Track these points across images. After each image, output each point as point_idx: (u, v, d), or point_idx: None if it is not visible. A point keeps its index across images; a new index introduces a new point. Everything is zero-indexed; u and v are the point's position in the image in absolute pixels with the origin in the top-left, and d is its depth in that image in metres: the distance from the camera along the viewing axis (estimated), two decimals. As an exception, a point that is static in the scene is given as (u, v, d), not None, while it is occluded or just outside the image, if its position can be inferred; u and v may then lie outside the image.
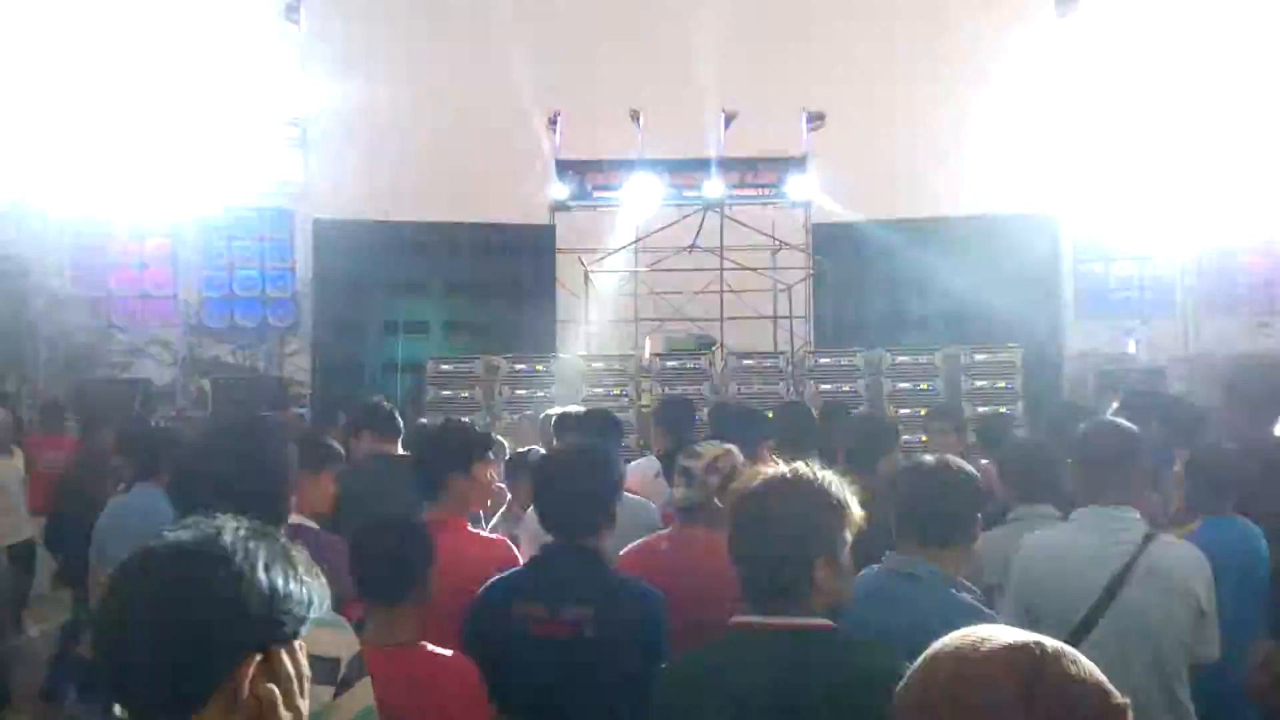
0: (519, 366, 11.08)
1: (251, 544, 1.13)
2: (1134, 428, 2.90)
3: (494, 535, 3.36)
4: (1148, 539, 2.70)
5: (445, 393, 10.85)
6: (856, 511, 1.97)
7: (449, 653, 2.35)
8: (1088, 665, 0.93)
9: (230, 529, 1.14)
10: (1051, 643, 0.94)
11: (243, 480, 1.85)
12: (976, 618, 2.33)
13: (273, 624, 1.11)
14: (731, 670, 1.93)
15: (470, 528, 3.19)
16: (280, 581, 1.12)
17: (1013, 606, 2.77)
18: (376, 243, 13.40)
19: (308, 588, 1.16)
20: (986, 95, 13.03)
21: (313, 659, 1.76)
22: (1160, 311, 13.10)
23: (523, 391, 10.87)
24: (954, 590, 2.41)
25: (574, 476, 2.60)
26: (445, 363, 11.23)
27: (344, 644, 1.85)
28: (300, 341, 13.15)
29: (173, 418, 11.18)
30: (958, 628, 1.65)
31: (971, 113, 13.12)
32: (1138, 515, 2.77)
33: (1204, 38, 12.23)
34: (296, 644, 1.15)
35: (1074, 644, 2.58)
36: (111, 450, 5.78)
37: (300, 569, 1.16)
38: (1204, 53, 12.29)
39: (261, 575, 1.11)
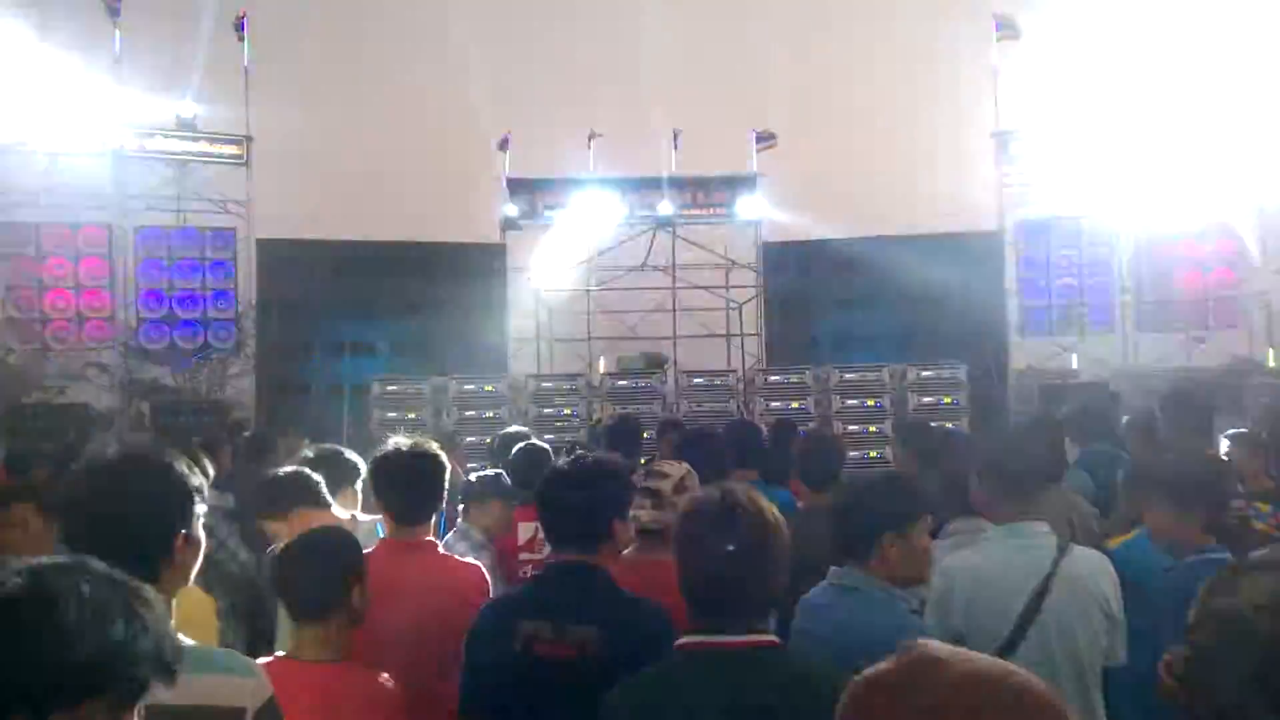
0: (468, 387, 10.97)
1: (87, 592, 1.10)
2: (1041, 444, 2.97)
3: (468, 560, 3.30)
4: (1061, 551, 2.77)
5: (392, 414, 10.70)
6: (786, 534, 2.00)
7: (377, 672, 2.30)
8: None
9: (69, 576, 1.11)
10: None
11: (128, 519, 1.78)
12: (911, 627, 2.37)
13: (100, 675, 1.09)
14: (681, 692, 1.91)
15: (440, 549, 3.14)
16: (115, 632, 1.10)
17: (935, 630, 2.76)
18: (322, 262, 13.21)
19: (155, 641, 1.13)
20: (932, 115, 13.28)
21: (211, 710, 1.71)
22: (1100, 328, 13.40)
23: (472, 412, 10.77)
24: (892, 600, 2.47)
25: (576, 490, 2.53)
26: (392, 383, 11.07)
27: (249, 691, 1.78)
28: (243, 363, 12.90)
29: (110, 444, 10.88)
30: (892, 636, 1.64)
31: (918, 133, 13.36)
32: (1048, 529, 2.84)
33: (1144, 58, 12.59)
34: (137, 708, 1.13)
35: (1003, 659, 2.60)
36: (42, 479, 5.59)
37: (149, 622, 1.14)
38: (1144, 75, 12.65)
39: (90, 626, 1.09)
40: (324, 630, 2.30)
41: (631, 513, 3.00)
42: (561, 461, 2.75)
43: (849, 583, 2.51)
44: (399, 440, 3.07)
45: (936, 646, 1.04)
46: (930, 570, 2.65)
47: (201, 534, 1.94)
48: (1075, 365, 13.42)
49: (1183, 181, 12.50)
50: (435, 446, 3.09)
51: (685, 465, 3.13)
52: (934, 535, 3.27)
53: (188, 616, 2.32)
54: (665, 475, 3.04)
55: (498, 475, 4.33)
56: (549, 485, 2.58)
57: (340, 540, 2.45)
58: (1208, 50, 12.11)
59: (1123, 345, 13.40)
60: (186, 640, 1.79)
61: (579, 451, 3.02)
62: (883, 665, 1.03)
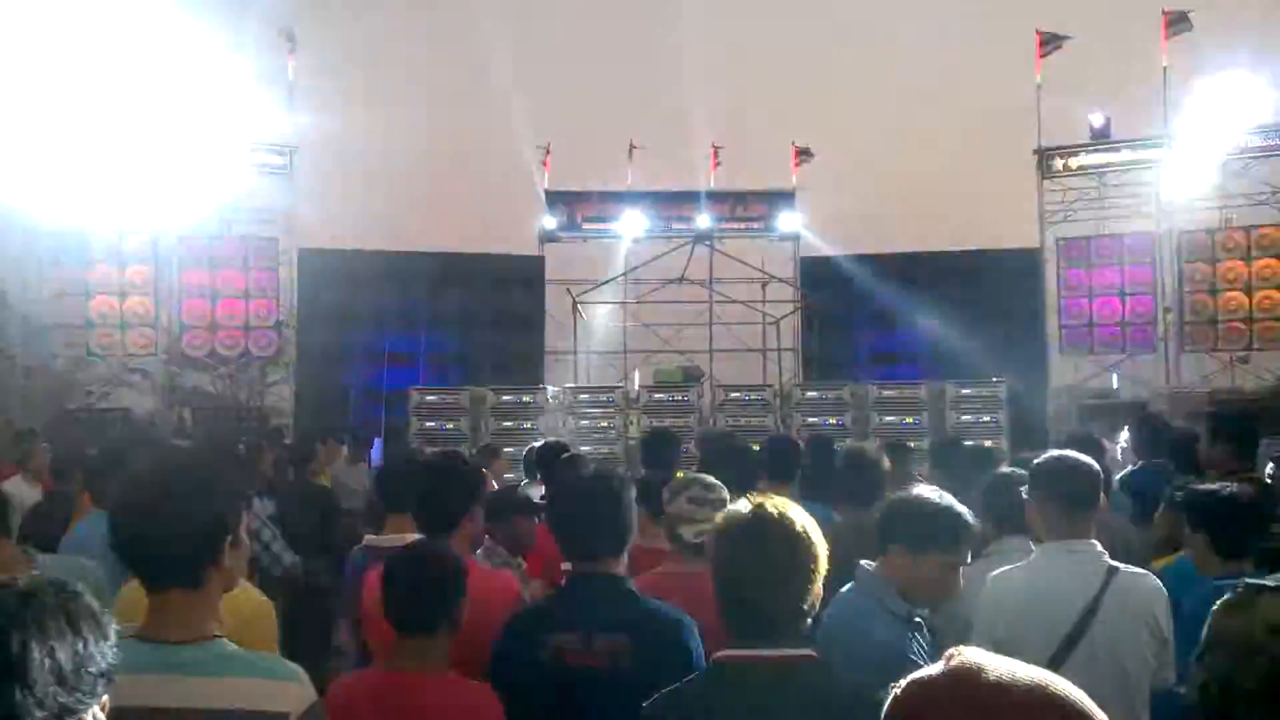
0: (505, 398, 11.02)
1: (32, 616, 1.08)
2: (1094, 463, 2.94)
3: (499, 569, 3.30)
4: (1111, 571, 2.74)
5: (430, 424, 10.77)
6: (824, 548, 1.98)
7: (474, 683, 2.32)
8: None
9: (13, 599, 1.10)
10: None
11: (177, 524, 1.81)
12: (886, 640, 2.37)
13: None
14: (716, 704, 1.91)
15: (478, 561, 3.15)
16: (62, 655, 1.09)
17: (981, 641, 2.72)
18: (362, 272, 13.38)
19: (97, 653, 1.12)
20: (969, 134, 13.20)
21: (254, 714, 1.71)
22: (1141, 347, 13.19)
23: (509, 423, 10.81)
24: (877, 610, 2.47)
25: (595, 502, 2.56)
26: (430, 393, 11.15)
27: (294, 697, 1.78)
28: (283, 371, 13.06)
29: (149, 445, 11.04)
30: (869, 644, 1.65)
31: (956, 150, 13.28)
32: (1098, 547, 2.82)
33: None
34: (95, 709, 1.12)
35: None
36: (81, 482, 5.67)
37: (88, 637, 1.12)
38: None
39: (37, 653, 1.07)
40: (428, 642, 2.33)
41: (679, 528, 3.02)
42: (574, 475, 2.76)
43: (859, 580, 2.54)
44: (421, 448, 3.08)
45: (978, 653, 1.05)
46: (954, 593, 2.62)
47: (246, 538, 1.97)
48: (1115, 384, 13.23)
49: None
50: (460, 453, 3.08)
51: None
52: (976, 553, 3.24)
53: (247, 619, 2.36)
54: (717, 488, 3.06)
55: (513, 490, 4.28)
56: (564, 500, 2.60)
57: (450, 557, 2.48)
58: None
59: (1165, 365, 13.19)
60: (229, 644, 1.81)
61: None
62: (928, 671, 1.04)
